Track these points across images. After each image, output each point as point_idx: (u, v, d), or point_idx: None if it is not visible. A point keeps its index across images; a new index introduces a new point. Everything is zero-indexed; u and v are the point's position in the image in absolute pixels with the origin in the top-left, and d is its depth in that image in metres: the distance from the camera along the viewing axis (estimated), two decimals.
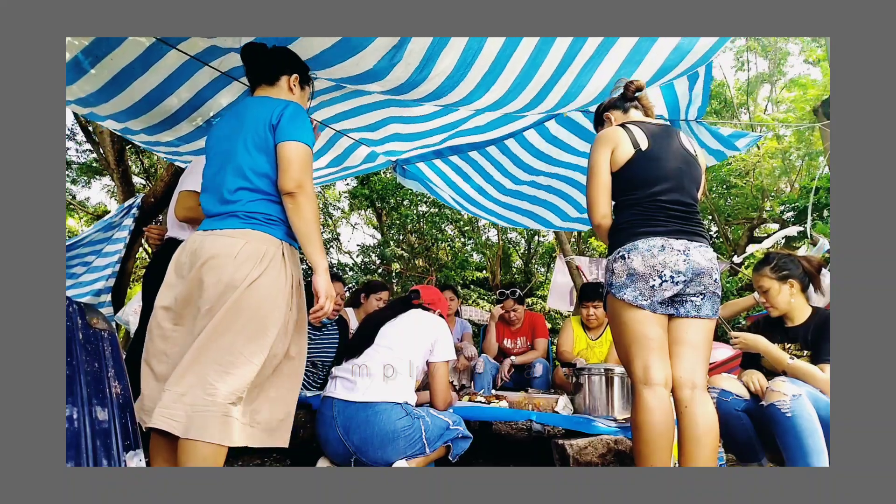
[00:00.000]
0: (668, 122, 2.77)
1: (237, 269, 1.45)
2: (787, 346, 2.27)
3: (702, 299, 1.74)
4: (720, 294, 1.80)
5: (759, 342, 2.21)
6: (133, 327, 4.08)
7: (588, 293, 3.53)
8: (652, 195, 1.77)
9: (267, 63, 1.74)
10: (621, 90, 2.04)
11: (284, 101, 1.60)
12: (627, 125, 1.87)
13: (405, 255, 10.84)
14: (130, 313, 4.18)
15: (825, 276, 2.69)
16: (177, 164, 3.74)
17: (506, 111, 2.68)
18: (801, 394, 1.94)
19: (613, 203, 1.86)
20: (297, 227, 1.51)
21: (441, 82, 2.23)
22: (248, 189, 1.56)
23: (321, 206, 11.76)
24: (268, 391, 1.52)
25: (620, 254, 1.75)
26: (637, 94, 2.00)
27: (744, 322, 6.61)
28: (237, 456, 2.50)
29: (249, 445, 1.45)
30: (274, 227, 1.55)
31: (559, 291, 6.43)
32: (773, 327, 2.34)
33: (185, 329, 1.52)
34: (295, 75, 1.75)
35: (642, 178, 1.79)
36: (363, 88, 2.37)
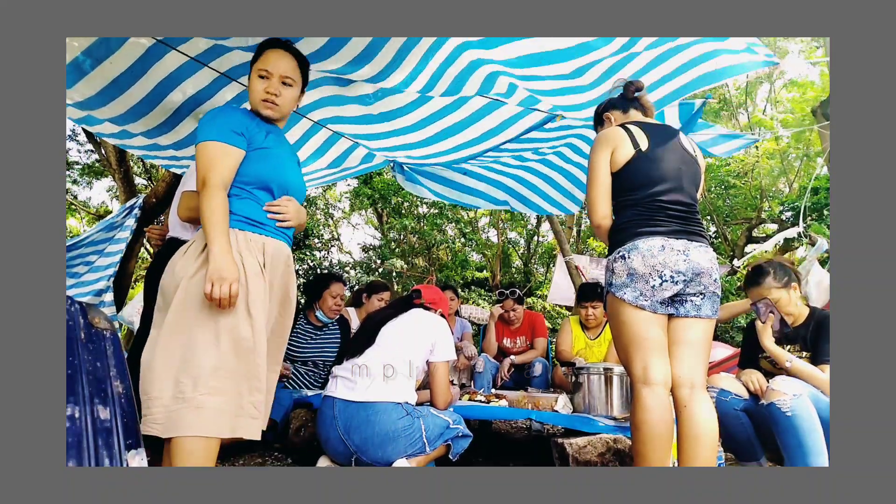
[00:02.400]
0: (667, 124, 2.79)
1: (183, 265, 1.51)
2: (787, 347, 2.27)
3: (702, 299, 1.74)
4: (720, 294, 1.80)
5: (763, 338, 2.22)
6: (135, 327, 4.09)
7: (586, 293, 3.53)
8: (652, 195, 1.76)
9: None
10: (621, 90, 2.04)
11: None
12: (627, 125, 1.86)
13: (406, 255, 10.84)
14: (133, 313, 4.18)
15: (824, 275, 2.69)
16: (173, 171, 3.74)
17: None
18: (802, 393, 1.94)
19: (613, 203, 1.86)
20: (201, 222, 1.51)
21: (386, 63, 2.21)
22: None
23: (322, 206, 11.76)
24: (242, 378, 1.50)
25: (621, 254, 1.75)
26: (637, 94, 2.00)
27: (743, 323, 6.61)
28: (238, 455, 2.50)
29: (234, 435, 1.45)
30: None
31: (560, 290, 6.45)
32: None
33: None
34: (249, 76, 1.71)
35: (642, 179, 1.78)
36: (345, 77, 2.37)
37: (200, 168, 1.54)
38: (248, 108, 1.72)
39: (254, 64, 1.69)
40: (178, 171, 3.58)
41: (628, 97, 2.00)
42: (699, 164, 1.90)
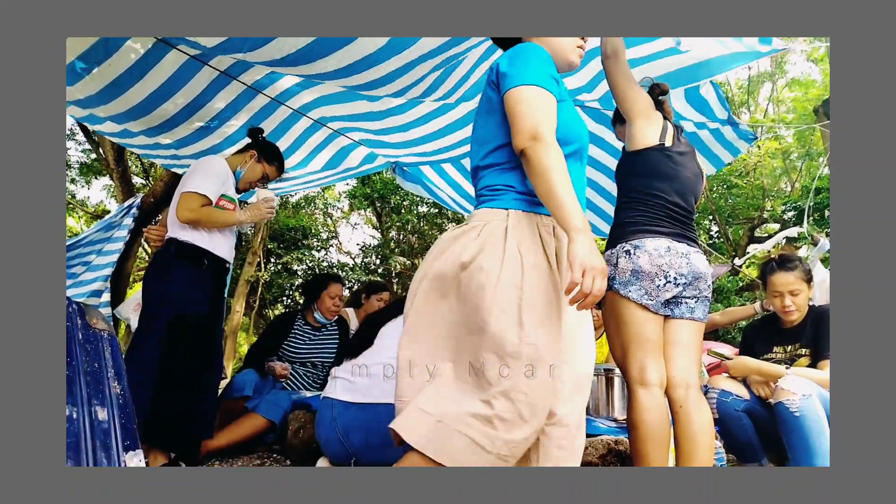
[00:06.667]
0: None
1: (456, 260, 1.22)
2: (789, 346, 2.27)
3: (695, 302, 1.78)
4: (710, 299, 1.85)
5: (749, 366, 2.20)
6: (133, 324, 4.08)
7: None
8: (657, 190, 1.79)
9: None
10: (646, 90, 2.02)
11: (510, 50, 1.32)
12: (666, 119, 1.89)
13: (405, 255, 10.85)
14: (130, 311, 4.17)
15: (826, 275, 2.69)
16: (174, 170, 3.74)
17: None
18: (812, 394, 1.91)
19: (620, 187, 1.89)
20: (536, 189, 1.19)
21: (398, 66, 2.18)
22: (477, 168, 1.35)
23: (321, 206, 11.76)
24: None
25: (625, 249, 1.75)
26: (661, 97, 1.99)
27: (743, 323, 6.58)
28: (236, 457, 2.50)
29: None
30: (500, 198, 1.27)
31: None
32: (770, 330, 2.34)
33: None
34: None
35: (652, 171, 1.81)
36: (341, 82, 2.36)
37: (523, 117, 1.19)
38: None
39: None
40: (179, 171, 3.57)
41: (653, 99, 1.98)
42: (702, 181, 1.96)
